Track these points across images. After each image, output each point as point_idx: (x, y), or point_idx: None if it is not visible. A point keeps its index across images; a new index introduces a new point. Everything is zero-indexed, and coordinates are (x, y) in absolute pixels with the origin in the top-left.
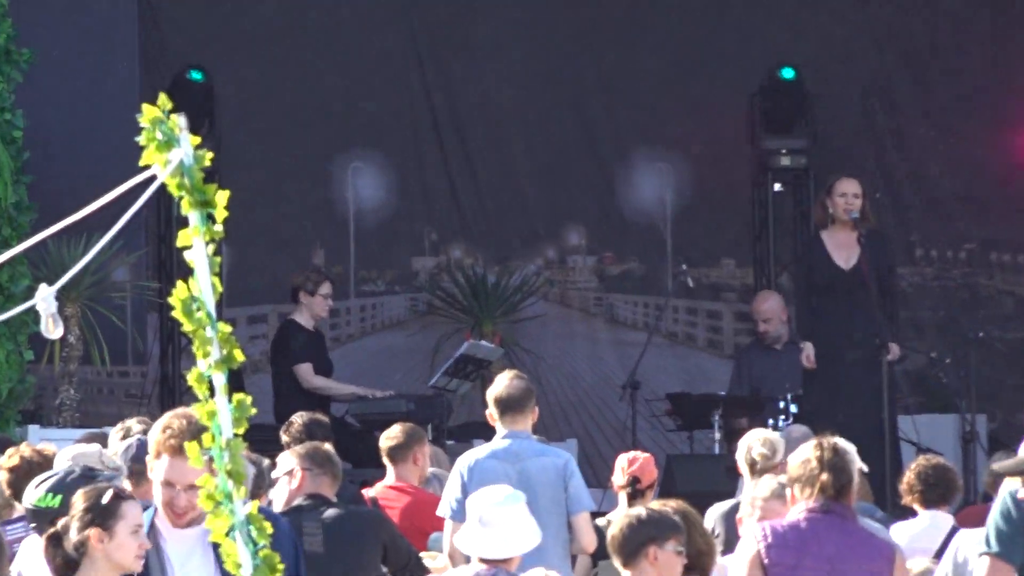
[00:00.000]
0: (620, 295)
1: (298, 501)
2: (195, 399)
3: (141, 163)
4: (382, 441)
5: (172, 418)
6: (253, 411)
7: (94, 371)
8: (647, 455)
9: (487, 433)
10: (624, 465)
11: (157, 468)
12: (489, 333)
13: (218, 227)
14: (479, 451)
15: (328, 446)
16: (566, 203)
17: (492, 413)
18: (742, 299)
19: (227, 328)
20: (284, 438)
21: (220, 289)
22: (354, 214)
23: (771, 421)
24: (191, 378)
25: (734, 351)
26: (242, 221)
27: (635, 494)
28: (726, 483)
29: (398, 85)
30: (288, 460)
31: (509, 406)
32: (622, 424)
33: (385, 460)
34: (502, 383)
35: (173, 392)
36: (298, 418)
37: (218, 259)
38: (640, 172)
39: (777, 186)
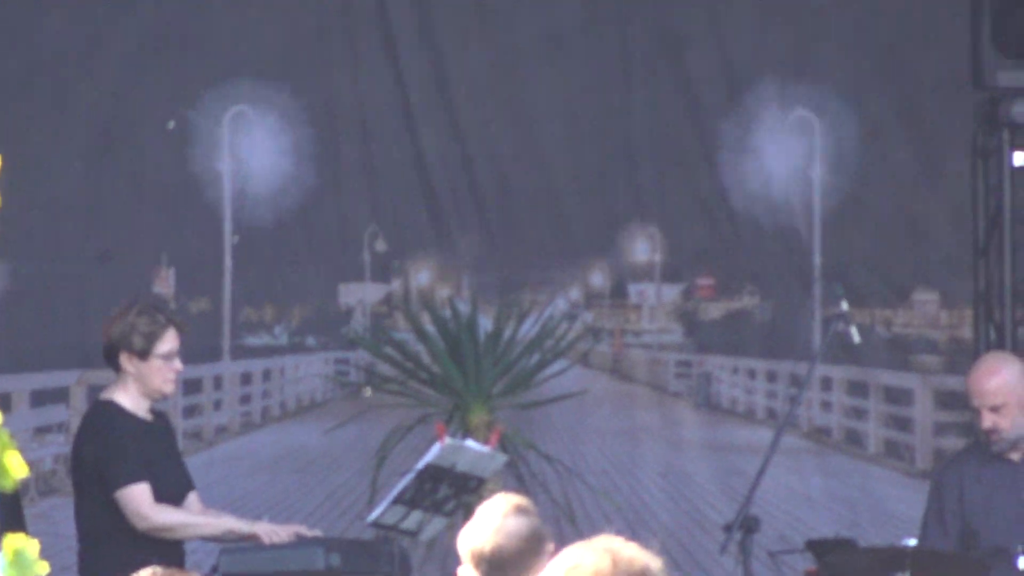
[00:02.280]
0: (723, 358)
1: None
2: None
3: None
4: None
5: None
6: (43, 570)
7: None
8: None
9: None
10: None
11: None
12: (481, 425)
13: None
14: None
15: None
16: (631, 186)
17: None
18: (951, 368)
19: None
20: None
21: None
22: (233, 200)
23: None
24: None
25: (933, 464)
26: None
27: None
28: None
29: None
30: None
31: (498, 566)
32: None
33: None
34: (490, 524)
35: None
36: None
37: None
38: (769, 125)
39: (1021, 157)
